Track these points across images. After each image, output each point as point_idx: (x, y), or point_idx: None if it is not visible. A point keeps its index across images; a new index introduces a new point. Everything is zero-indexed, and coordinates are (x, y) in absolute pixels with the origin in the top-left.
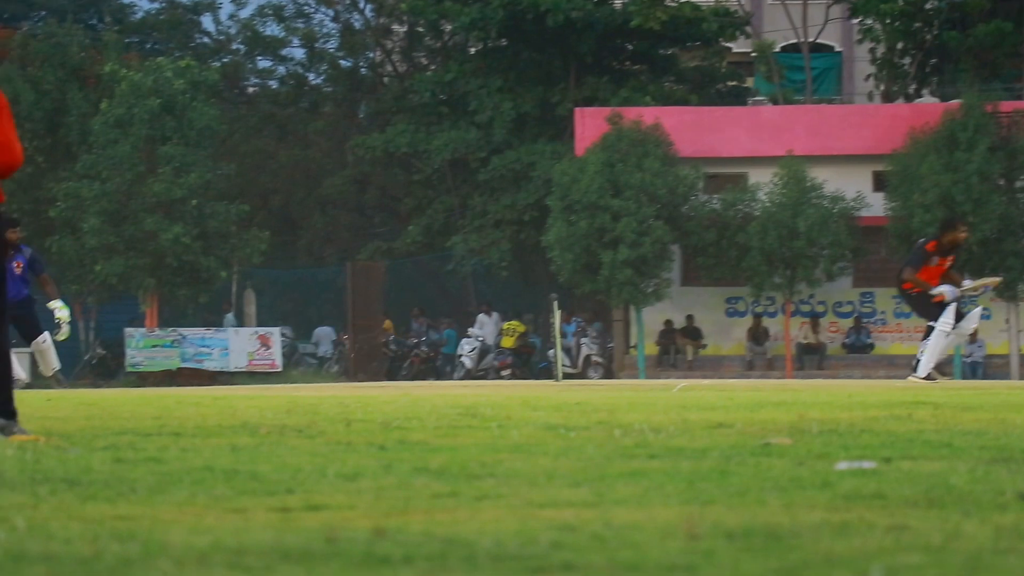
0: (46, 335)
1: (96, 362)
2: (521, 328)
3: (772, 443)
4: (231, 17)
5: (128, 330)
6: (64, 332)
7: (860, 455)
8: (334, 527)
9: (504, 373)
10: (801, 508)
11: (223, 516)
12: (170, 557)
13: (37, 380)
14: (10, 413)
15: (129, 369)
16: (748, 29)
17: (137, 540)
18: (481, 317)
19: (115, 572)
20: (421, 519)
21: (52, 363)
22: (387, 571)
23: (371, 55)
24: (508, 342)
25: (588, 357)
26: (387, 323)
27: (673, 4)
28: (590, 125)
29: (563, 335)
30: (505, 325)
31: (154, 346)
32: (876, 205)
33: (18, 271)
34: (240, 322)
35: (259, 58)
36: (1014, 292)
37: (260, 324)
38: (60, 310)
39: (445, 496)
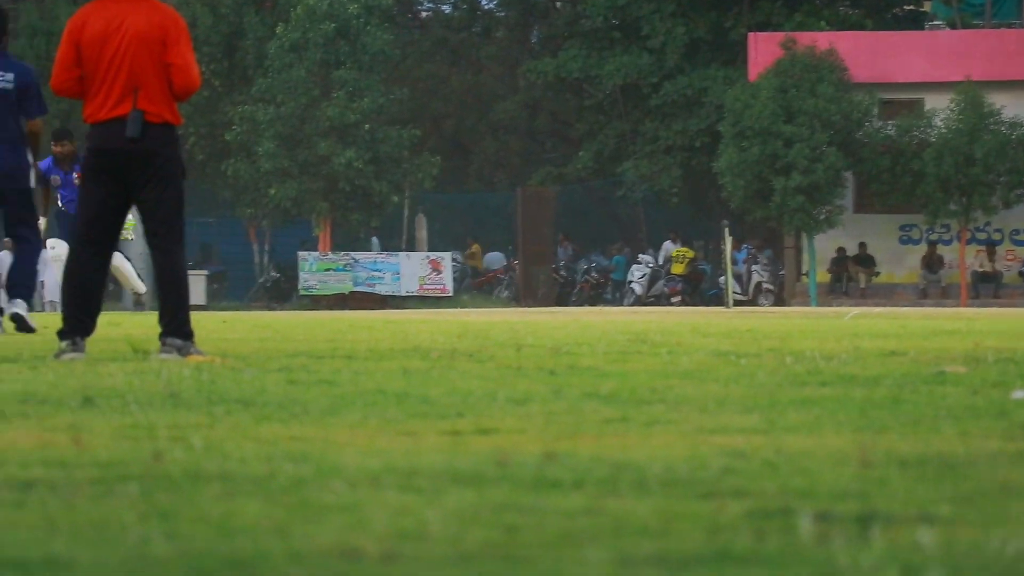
0: (59, 243)
1: (270, 285)
2: (690, 254)
3: (946, 371)
4: None
5: (301, 254)
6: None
7: None
8: (504, 451)
9: (674, 300)
10: (976, 437)
11: (394, 439)
12: (343, 478)
13: (212, 302)
14: (187, 334)
15: (302, 292)
16: None
17: (310, 461)
18: (667, 244)
19: (289, 492)
20: (591, 444)
21: (135, 284)
22: (557, 495)
23: None
24: (678, 268)
25: (759, 284)
26: (475, 247)
27: None
28: (763, 50)
29: (734, 262)
30: (674, 252)
31: (327, 270)
32: None
33: (78, 183)
34: (411, 247)
35: None
36: None
37: (431, 249)
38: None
39: (615, 421)
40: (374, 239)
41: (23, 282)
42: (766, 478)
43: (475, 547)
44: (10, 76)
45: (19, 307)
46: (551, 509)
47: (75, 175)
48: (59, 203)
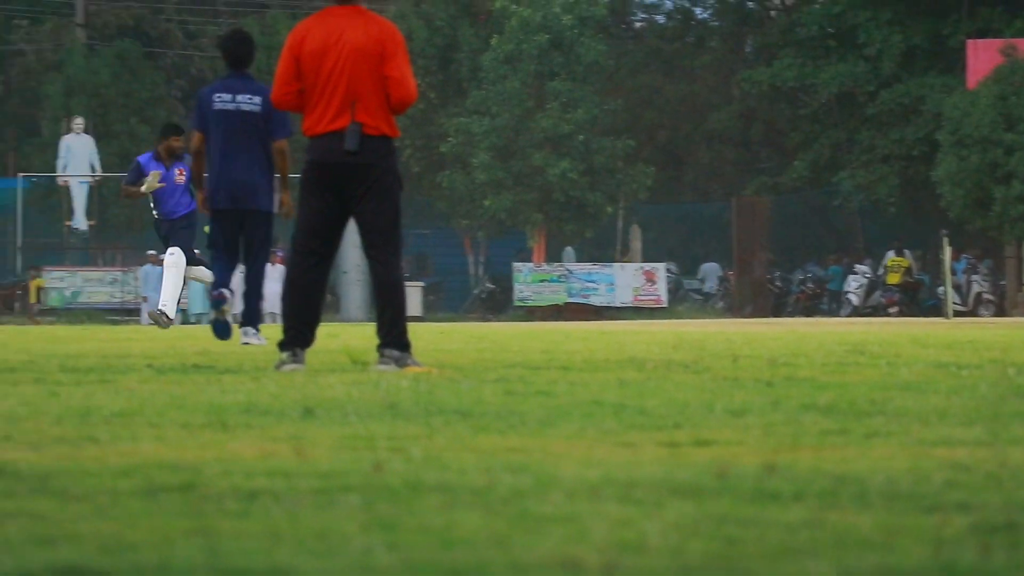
0: (177, 252)
1: (485, 296)
2: (905, 264)
3: None
4: None
5: (516, 265)
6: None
7: None
8: (723, 462)
9: (892, 310)
10: None
11: (612, 450)
12: (562, 489)
13: (428, 313)
14: (404, 345)
15: (517, 303)
16: None
17: (529, 472)
18: (889, 254)
19: (508, 503)
20: (810, 456)
21: (176, 295)
22: (777, 507)
23: None
24: (893, 278)
25: (979, 295)
26: None
27: None
28: (983, 57)
29: (952, 272)
30: (889, 261)
31: (541, 281)
32: None
33: (179, 180)
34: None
35: None
36: None
37: (645, 260)
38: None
39: (834, 433)
40: (568, 249)
41: (252, 309)
42: (990, 491)
43: (696, 559)
44: (257, 99)
45: (251, 337)
46: (771, 522)
47: (177, 171)
48: (153, 210)
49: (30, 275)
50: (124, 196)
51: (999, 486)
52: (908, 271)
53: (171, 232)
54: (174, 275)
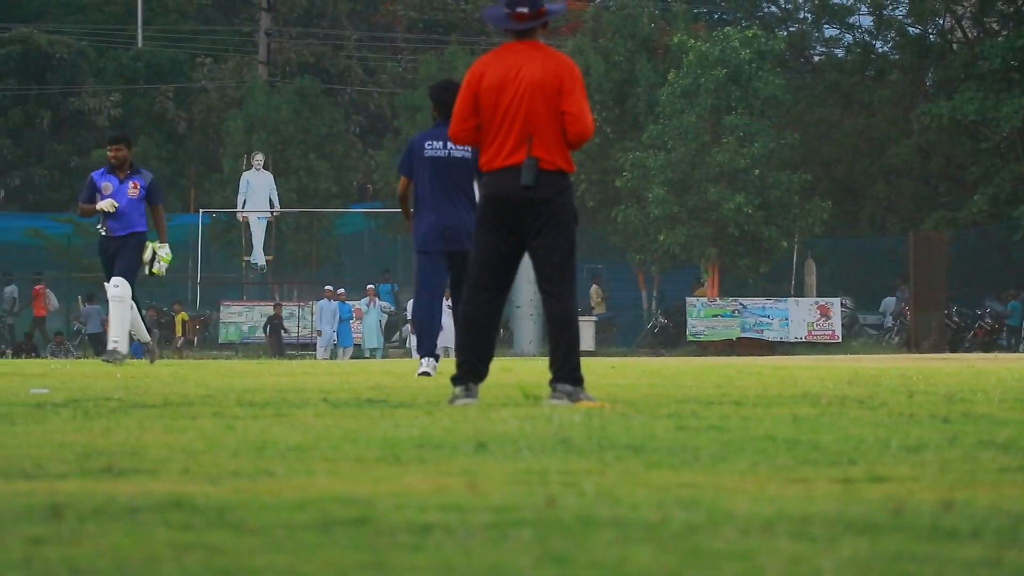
0: (122, 283)
1: (657, 330)
2: None
3: None
4: None
5: (690, 299)
6: (158, 268)
7: None
8: (898, 499)
9: None
10: None
11: (785, 486)
12: (735, 525)
13: (600, 348)
14: (577, 379)
15: (689, 338)
16: None
17: (702, 507)
18: None
19: (681, 538)
20: (988, 493)
21: (126, 329)
22: (954, 545)
23: (940, 21)
24: None
25: None
26: None
27: None
28: None
29: None
30: None
31: (715, 316)
32: None
33: (133, 193)
34: (800, 292)
35: (825, 26)
36: None
37: (820, 294)
38: (164, 249)
39: (1013, 470)
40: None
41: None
42: None
43: None
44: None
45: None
46: (948, 559)
47: (131, 184)
48: (99, 227)
49: (175, 309)
50: (80, 215)
51: None
52: None
53: (119, 252)
54: (120, 309)
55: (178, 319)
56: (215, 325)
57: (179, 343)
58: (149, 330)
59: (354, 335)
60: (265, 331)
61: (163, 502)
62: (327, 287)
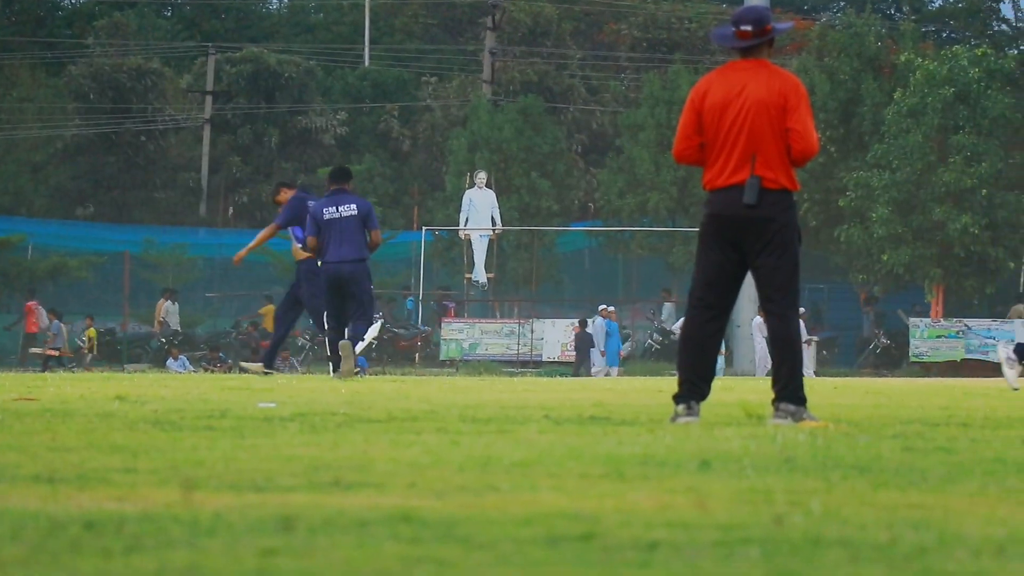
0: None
1: (880, 351)
2: None
3: None
4: None
5: (913, 320)
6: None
7: None
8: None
9: None
10: None
11: (1016, 508)
12: (966, 547)
13: (821, 368)
14: (800, 399)
15: (912, 359)
16: None
17: (931, 528)
18: None
19: (912, 560)
20: None
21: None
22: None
23: None
24: None
25: None
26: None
27: None
28: None
29: None
30: None
31: (938, 336)
32: None
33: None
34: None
35: None
36: None
37: None
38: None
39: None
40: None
41: None
42: None
43: None
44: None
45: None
46: None
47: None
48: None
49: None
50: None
51: None
52: None
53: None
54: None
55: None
56: (435, 342)
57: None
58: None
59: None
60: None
61: (391, 515)
62: (601, 306)
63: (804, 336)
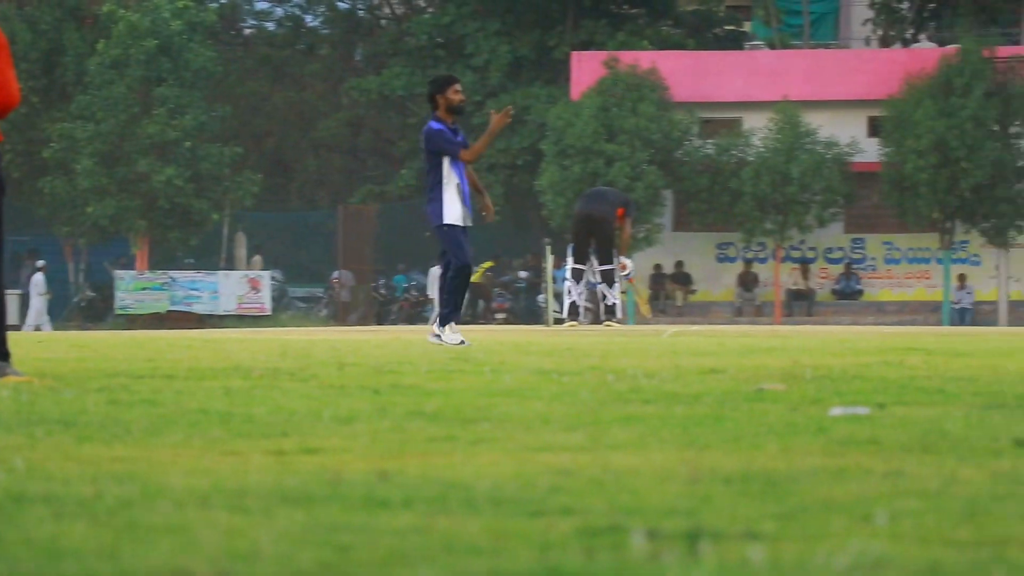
0: None
1: (85, 304)
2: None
3: (765, 389)
4: None
5: (118, 272)
6: None
7: (854, 401)
8: (332, 470)
9: (499, 316)
10: (797, 454)
11: (220, 458)
12: (170, 499)
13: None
14: (4, 354)
15: (118, 312)
16: None
17: (136, 481)
18: (433, 271)
19: (116, 513)
20: (418, 463)
21: None
22: (387, 514)
23: None
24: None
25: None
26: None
27: None
28: (586, 69)
29: (554, 280)
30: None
31: (144, 288)
32: (870, 151)
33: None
34: (231, 265)
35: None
36: (1004, 239)
37: (250, 267)
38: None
39: (441, 440)
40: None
41: None
42: (593, 496)
43: (308, 567)
44: None
45: None
46: (382, 528)
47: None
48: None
49: None
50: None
51: (601, 490)
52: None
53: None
54: None
55: None
56: None
57: None
58: None
59: None
60: None
61: None
62: None
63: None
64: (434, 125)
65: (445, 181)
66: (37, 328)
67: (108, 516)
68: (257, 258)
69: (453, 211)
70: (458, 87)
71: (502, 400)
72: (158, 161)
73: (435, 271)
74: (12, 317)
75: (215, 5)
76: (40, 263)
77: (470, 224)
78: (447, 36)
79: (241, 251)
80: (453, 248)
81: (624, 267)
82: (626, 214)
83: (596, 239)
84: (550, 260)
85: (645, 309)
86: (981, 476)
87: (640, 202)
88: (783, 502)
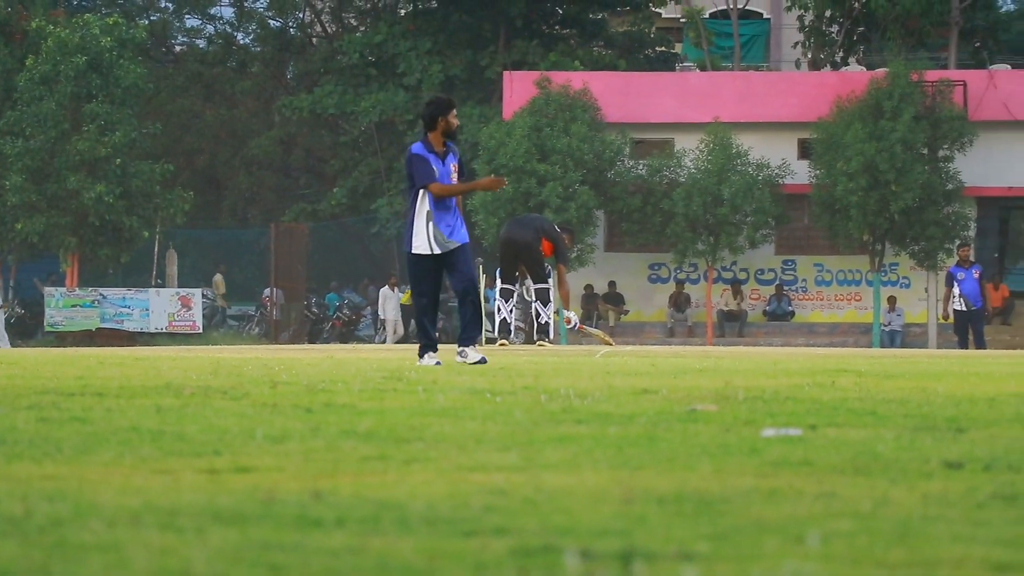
0: None
1: (14, 321)
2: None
3: (698, 409)
4: None
5: (48, 289)
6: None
7: (786, 422)
8: (265, 489)
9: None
10: (730, 474)
11: (151, 477)
12: (101, 517)
13: None
14: None
15: (48, 329)
16: None
17: (67, 500)
18: (384, 291)
19: (47, 532)
20: (350, 482)
21: None
22: (320, 533)
23: (300, 15)
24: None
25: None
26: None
27: None
28: (518, 89)
29: (486, 300)
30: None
31: (74, 306)
32: (800, 173)
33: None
34: (162, 282)
35: (187, 16)
36: (933, 261)
37: (181, 285)
38: None
39: (374, 459)
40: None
41: None
42: (527, 516)
43: None
44: None
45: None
46: (315, 548)
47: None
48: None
49: None
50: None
51: (535, 510)
52: None
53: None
54: None
55: None
56: None
57: None
58: None
59: None
60: None
61: None
62: None
63: None
64: (415, 149)
65: (418, 208)
66: None
67: (39, 534)
68: (219, 277)
69: (420, 240)
70: (455, 111)
71: (435, 420)
72: (88, 178)
73: (385, 291)
74: None
75: (145, 22)
76: None
77: (450, 248)
78: (379, 55)
79: (172, 268)
80: (409, 278)
81: (569, 321)
82: (558, 259)
83: (523, 262)
84: (482, 280)
85: (607, 340)
86: (912, 498)
87: (573, 222)
88: (716, 523)
